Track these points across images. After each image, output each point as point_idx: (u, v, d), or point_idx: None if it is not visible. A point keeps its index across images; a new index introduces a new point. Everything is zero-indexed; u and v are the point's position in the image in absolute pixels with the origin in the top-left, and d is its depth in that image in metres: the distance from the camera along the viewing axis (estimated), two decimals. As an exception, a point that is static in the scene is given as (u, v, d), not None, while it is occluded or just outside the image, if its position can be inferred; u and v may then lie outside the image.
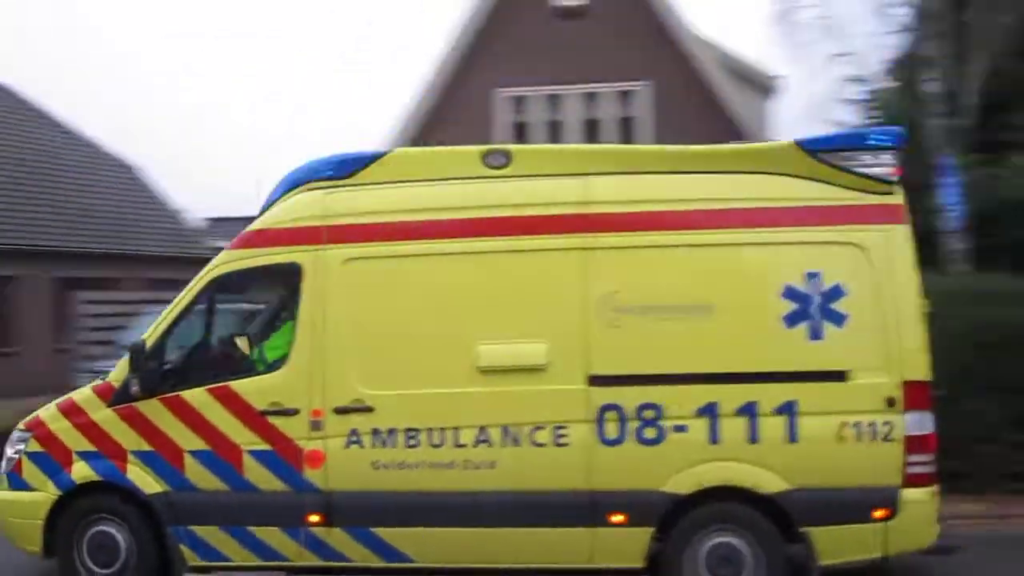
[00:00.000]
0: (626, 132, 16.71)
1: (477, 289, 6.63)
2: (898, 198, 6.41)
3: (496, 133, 16.64)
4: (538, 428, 6.43)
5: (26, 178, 24.63)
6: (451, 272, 6.67)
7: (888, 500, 6.19)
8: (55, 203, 25.00)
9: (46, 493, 7.08)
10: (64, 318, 19.64)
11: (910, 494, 6.20)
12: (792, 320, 6.32)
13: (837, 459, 6.23)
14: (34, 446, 7.16)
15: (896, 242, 6.34)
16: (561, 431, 6.40)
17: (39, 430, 7.20)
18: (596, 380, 6.42)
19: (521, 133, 17.03)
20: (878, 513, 6.20)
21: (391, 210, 6.77)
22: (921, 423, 6.22)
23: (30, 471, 7.13)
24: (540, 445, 6.42)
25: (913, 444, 6.19)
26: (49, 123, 28.03)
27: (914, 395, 6.22)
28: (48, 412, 7.28)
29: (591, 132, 16.80)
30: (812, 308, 6.30)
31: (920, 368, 6.27)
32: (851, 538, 6.25)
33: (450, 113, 16.72)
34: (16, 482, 7.20)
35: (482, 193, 6.70)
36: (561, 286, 6.50)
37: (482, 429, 6.47)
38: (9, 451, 7.31)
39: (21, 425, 7.36)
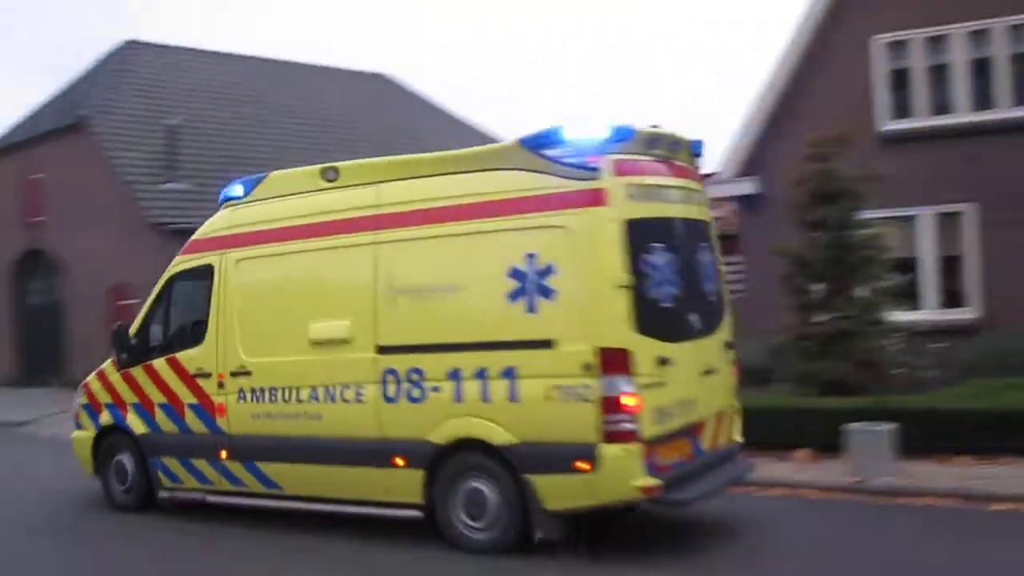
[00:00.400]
0: (1021, 70, 15.21)
1: (310, 280, 8.74)
2: (601, 183, 7.14)
3: (874, 82, 15.84)
4: (346, 387, 8.28)
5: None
6: (295, 267, 8.84)
7: (588, 454, 7.07)
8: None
9: (90, 432, 10.48)
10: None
11: (607, 450, 7.01)
12: (514, 296, 7.42)
13: (549, 417, 7.23)
14: (83, 399, 10.64)
15: (596, 223, 7.10)
16: (360, 390, 8.19)
17: (86, 387, 10.63)
18: (382, 349, 8.09)
19: (901, 81, 15.86)
20: (582, 465, 7.09)
21: (263, 220, 9.13)
22: (614, 386, 6.99)
23: (82, 417, 10.68)
24: (347, 401, 8.28)
25: (608, 405, 7.01)
26: (428, 107, 32.80)
27: (608, 361, 7.01)
28: (92, 374, 10.51)
29: (980, 73, 15.38)
30: (529, 285, 7.35)
31: (615, 337, 7.02)
32: (563, 486, 7.23)
33: (822, 63, 16.24)
34: (77, 425, 10.77)
35: (318, 203, 8.72)
36: (360, 274, 8.24)
37: (313, 388, 8.51)
38: (74, 403, 10.76)
39: (81, 384, 10.67)
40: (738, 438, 8.60)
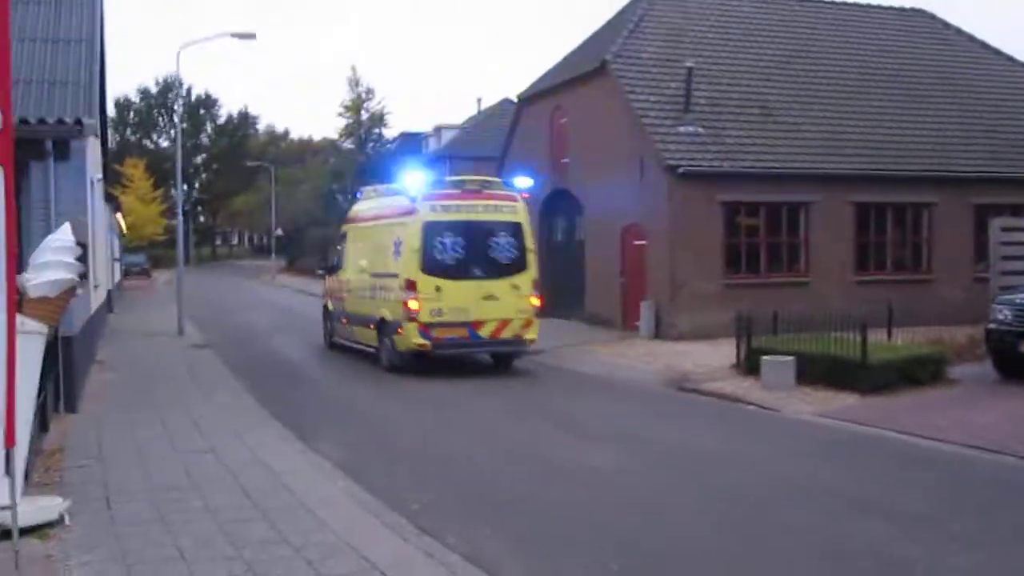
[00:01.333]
0: None
1: (361, 240, 20.14)
2: (416, 205, 16.94)
3: None
4: (363, 290, 19.13)
5: (946, 102, 26.53)
6: (359, 235, 20.27)
7: (400, 326, 16.83)
8: (972, 127, 26.00)
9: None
10: (982, 246, 21.33)
11: (405, 325, 16.64)
12: (394, 254, 17.42)
13: (395, 308, 17.12)
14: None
15: (412, 222, 16.93)
16: (366, 292, 18.80)
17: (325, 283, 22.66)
18: (372, 274, 18.55)
19: None
20: (400, 330, 16.67)
21: (357, 211, 20.89)
22: (407, 296, 16.54)
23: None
24: (363, 297, 19.06)
25: (405, 304, 16.57)
26: (969, 45, 29.73)
27: (407, 284, 16.69)
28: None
29: None
30: (397, 249, 17.31)
31: (410, 274, 16.76)
32: (397, 339, 17.03)
33: None
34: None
35: (368, 206, 20.22)
36: (369, 239, 19.13)
37: (360, 290, 19.39)
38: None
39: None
40: (527, 336, 17.50)
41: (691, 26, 26.53)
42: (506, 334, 17.14)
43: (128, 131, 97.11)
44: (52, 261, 8.36)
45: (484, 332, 16.96)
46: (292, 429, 12.18)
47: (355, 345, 19.50)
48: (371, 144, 67.96)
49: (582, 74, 25.70)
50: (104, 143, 26.61)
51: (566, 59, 28.85)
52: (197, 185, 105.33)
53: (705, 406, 14.50)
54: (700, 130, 22.94)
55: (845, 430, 12.34)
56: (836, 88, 25.89)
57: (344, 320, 20.14)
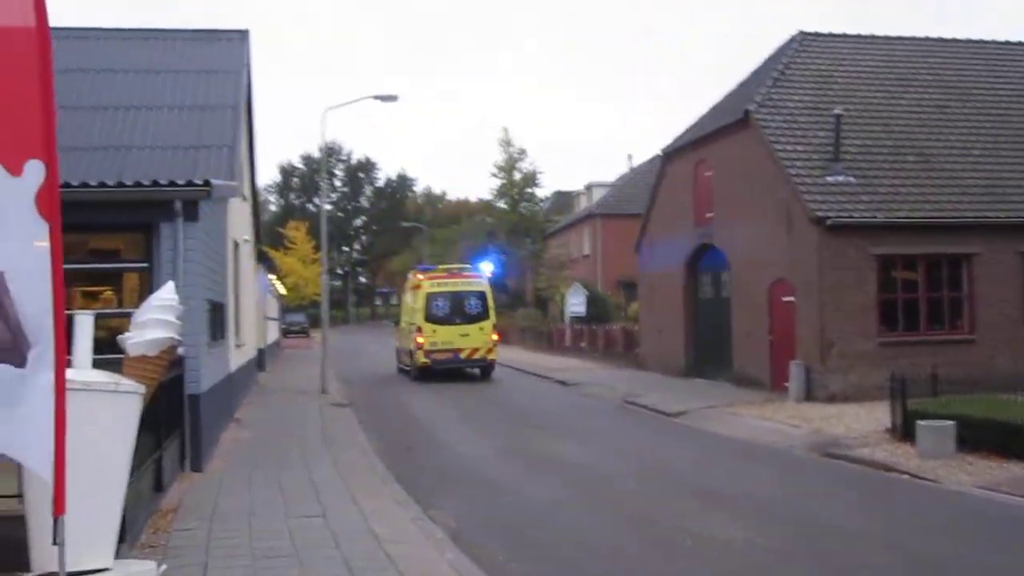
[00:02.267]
0: None
1: (410, 302, 33.99)
2: (414, 282, 31.64)
3: None
4: (410, 333, 31.92)
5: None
6: (412, 298, 33.24)
7: (415, 351, 29.47)
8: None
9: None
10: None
11: (416, 352, 29.25)
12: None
13: (412, 343, 30.18)
14: None
15: (420, 292, 29.81)
16: (412, 334, 30.77)
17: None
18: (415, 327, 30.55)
19: None
20: (414, 354, 29.66)
21: (409, 282, 33.68)
22: (419, 333, 29.02)
23: None
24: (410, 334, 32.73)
25: (416, 339, 29.21)
26: None
27: (418, 330, 29.30)
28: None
29: None
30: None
31: (419, 322, 29.18)
32: (413, 360, 29.74)
33: None
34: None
35: (414, 281, 32.26)
36: (409, 302, 33.23)
37: (408, 332, 33.05)
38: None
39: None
40: (490, 357, 29.34)
41: (840, 72, 25.43)
42: (476, 356, 29.55)
43: (292, 195, 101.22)
44: (152, 320, 8.25)
45: (463, 355, 29.38)
46: (412, 492, 11.86)
47: (402, 366, 32.65)
48: (524, 203, 68.47)
49: (725, 125, 24.93)
50: (256, 205, 27.40)
51: (712, 111, 28.14)
52: (357, 246, 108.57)
53: (853, 475, 13.37)
54: (851, 179, 21.79)
55: (1012, 505, 11.07)
56: (997, 131, 24.24)
57: (397, 352, 34.63)
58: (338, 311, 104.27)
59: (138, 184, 12.75)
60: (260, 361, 30.55)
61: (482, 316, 29.42)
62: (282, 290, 56.09)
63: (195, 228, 13.04)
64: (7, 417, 5.24)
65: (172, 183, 12.82)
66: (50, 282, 5.19)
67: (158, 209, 12.71)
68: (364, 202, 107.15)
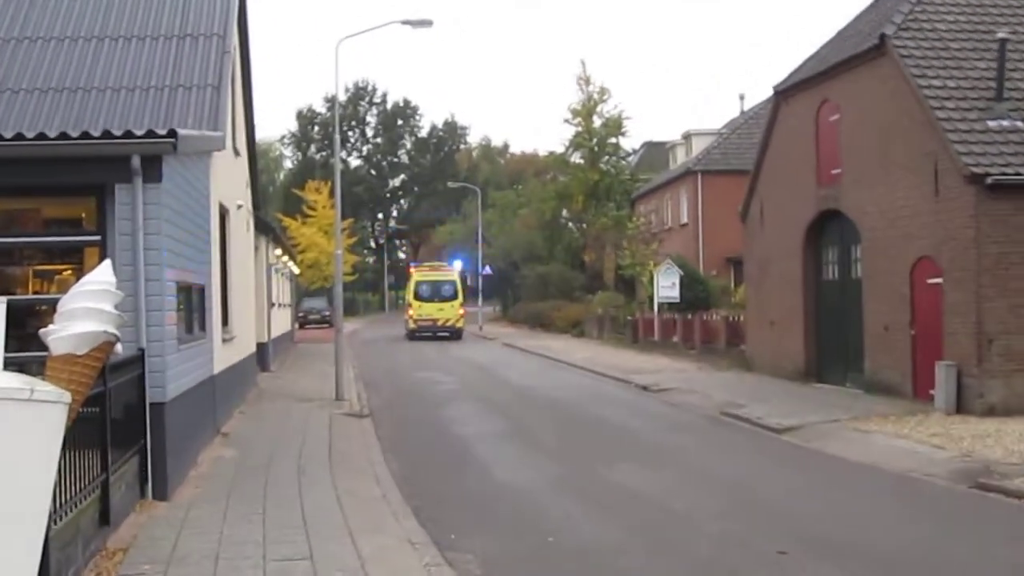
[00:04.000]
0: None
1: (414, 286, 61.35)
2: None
3: None
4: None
5: None
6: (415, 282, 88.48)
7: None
8: None
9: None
10: None
11: (408, 322, 58.19)
12: None
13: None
14: None
15: (413, 280, 60.62)
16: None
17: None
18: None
19: None
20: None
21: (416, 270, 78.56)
22: (413, 309, 57.63)
23: None
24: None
25: (409, 312, 59.19)
26: None
27: (409, 304, 60.25)
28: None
29: None
30: None
31: (410, 300, 59.58)
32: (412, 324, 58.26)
33: None
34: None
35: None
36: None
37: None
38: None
39: None
40: (458, 325, 56.08)
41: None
42: (448, 324, 55.25)
43: (312, 148, 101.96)
44: (81, 309, 8.20)
45: (439, 323, 55.36)
46: (432, 528, 11.81)
47: (406, 330, 57.30)
48: (606, 157, 68.17)
49: (855, 55, 24.44)
50: (253, 161, 27.56)
51: (837, 37, 27.65)
52: (395, 213, 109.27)
53: (1012, 514, 13.00)
54: (1018, 124, 21.22)
55: None
56: None
57: (405, 321, 58.70)
58: (371, 295, 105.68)
59: (85, 135, 12.75)
60: (262, 359, 30.82)
61: (453, 297, 56.35)
62: (296, 269, 56.55)
63: (161, 191, 13.04)
64: None
65: (128, 134, 12.83)
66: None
67: (111, 167, 12.72)
68: (403, 157, 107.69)
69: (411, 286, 58.21)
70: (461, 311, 56.60)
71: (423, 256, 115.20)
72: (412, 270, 62.58)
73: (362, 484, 14.52)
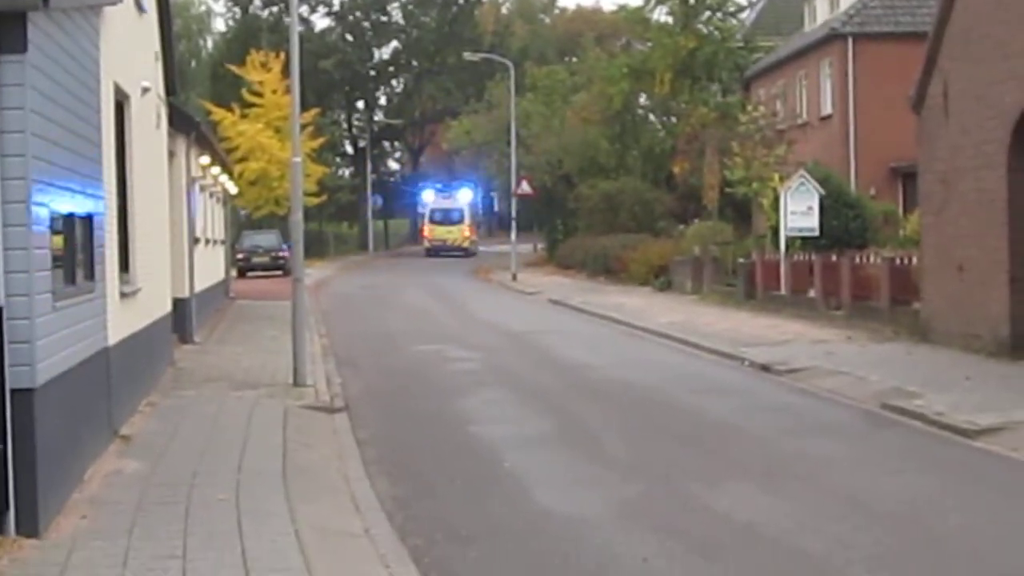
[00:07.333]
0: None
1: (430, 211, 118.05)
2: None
3: None
4: None
5: None
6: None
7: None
8: None
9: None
10: None
11: (425, 243, 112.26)
12: None
13: None
14: None
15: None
16: None
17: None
18: None
19: None
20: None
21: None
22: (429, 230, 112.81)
23: None
24: None
25: (422, 232, 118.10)
26: None
27: (422, 227, 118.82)
28: None
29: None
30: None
31: (425, 223, 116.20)
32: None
33: None
34: None
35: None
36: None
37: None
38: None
39: None
40: (467, 246, 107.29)
41: None
42: (457, 244, 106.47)
43: (255, 3, 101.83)
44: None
45: (449, 243, 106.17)
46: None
47: (425, 250, 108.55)
48: (707, 14, 68.04)
49: None
50: (165, 21, 27.56)
51: None
52: (383, 101, 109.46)
53: None
54: None
55: None
56: None
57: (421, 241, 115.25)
58: (348, 226, 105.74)
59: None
60: (181, 323, 30.99)
61: (461, 221, 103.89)
62: (233, 187, 56.37)
63: (25, 67, 13.07)
64: None
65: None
66: None
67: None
68: (395, 13, 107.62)
69: (428, 211, 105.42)
70: (467, 233, 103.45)
71: (425, 167, 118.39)
72: (426, 196, 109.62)
73: (334, 513, 14.66)
